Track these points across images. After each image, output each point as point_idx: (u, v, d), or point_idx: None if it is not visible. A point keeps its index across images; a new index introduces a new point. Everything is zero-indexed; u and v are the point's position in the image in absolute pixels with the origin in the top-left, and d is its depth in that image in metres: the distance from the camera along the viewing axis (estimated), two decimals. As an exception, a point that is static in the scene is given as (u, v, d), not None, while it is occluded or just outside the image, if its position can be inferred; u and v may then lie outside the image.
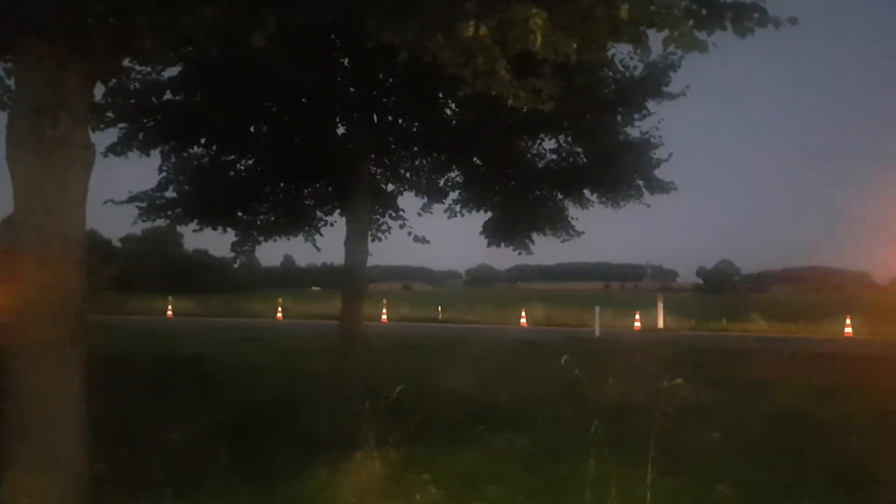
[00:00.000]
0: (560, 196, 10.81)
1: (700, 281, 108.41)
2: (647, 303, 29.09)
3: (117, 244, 50.31)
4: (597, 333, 23.33)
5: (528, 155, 10.43)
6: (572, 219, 11.06)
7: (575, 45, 3.97)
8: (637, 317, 26.28)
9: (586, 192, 10.63)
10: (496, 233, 11.20)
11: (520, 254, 11.49)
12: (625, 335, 22.86)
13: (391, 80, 8.83)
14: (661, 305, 26.60)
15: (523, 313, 28.90)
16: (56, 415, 4.51)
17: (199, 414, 7.47)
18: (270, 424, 7.40)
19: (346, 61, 8.73)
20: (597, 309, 24.32)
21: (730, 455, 6.37)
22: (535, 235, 11.29)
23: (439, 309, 32.08)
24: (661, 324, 26.24)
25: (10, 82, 4.75)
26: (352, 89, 8.85)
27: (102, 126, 7.78)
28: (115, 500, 4.86)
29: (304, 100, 8.77)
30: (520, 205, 10.60)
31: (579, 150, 10.31)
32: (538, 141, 10.39)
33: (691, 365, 13.10)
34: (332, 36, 8.13)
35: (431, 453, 6.22)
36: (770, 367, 13.84)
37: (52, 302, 4.39)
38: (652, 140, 10.15)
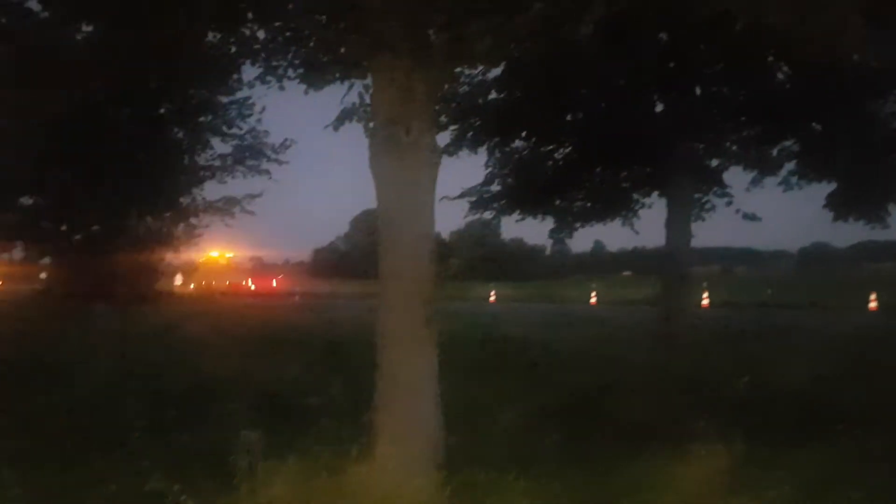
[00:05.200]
0: (926, 158, 9.21)
1: None
2: None
3: (445, 238, 54.96)
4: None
5: (882, 115, 9.06)
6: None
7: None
8: None
9: (964, 151, 8.90)
10: (844, 205, 9.95)
11: (873, 228, 10.12)
12: None
13: (713, 49, 8.31)
14: None
15: (873, 297, 25.17)
16: (416, 390, 5.06)
17: (529, 395, 7.79)
18: (594, 410, 7.43)
19: (663, 36, 8.44)
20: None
21: None
22: (891, 206, 9.81)
23: (769, 292, 29.47)
24: None
25: (367, 97, 5.43)
26: (671, 64, 8.53)
27: (436, 129, 8.55)
28: (467, 472, 5.28)
29: (621, 82, 8.69)
30: (872, 172, 9.26)
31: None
32: (892, 99, 8.98)
33: None
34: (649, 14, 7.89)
35: (776, 450, 5.71)
36: None
37: (410, 290, 4.93)
38: None
